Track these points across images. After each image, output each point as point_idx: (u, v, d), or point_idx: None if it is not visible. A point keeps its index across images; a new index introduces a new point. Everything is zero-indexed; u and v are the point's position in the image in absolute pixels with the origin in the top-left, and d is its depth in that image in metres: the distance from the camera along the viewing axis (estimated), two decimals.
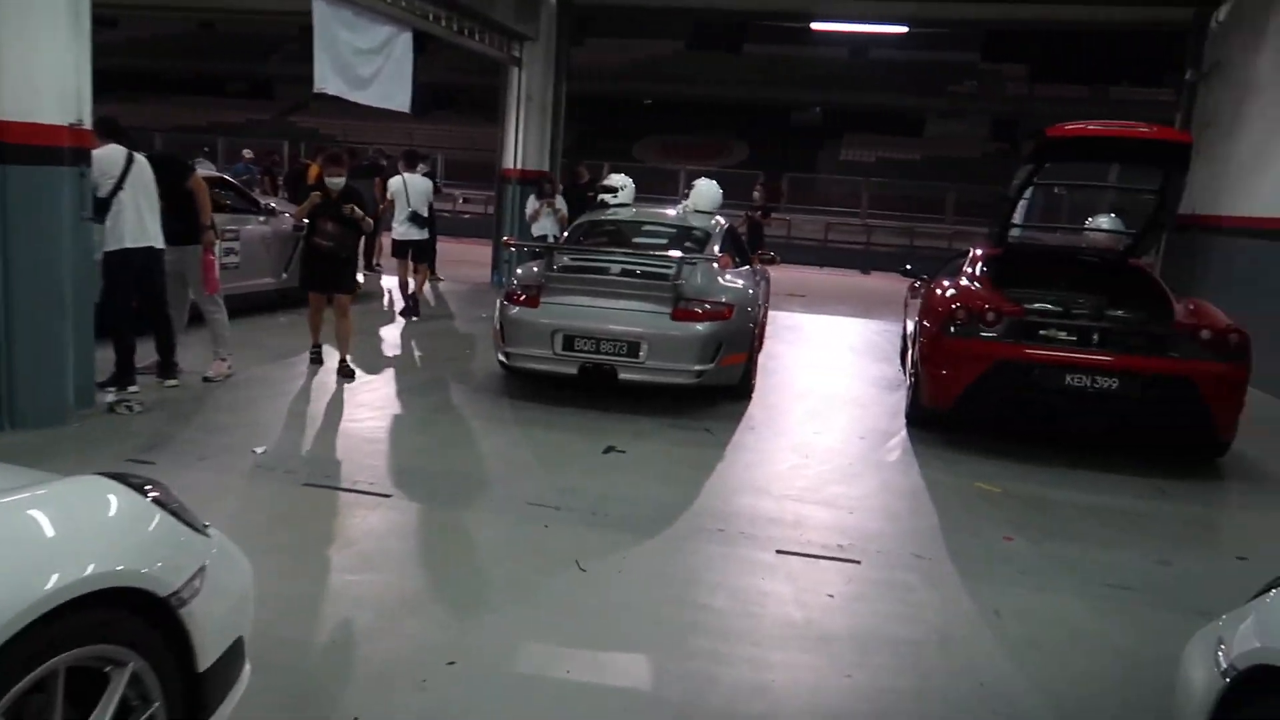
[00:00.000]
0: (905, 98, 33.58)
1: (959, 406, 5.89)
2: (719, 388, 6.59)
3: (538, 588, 3.64)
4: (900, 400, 7.16)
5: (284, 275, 9.30)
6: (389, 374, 7.35)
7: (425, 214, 10.02)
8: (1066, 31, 24.79)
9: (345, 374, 6.84)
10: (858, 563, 4.04)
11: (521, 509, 4.45)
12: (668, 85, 35.40)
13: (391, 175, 10.86)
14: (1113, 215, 7.53)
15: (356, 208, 6.80)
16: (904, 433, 6.32)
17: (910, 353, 7.11)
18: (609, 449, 5.50)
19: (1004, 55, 33.99)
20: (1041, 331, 5.78)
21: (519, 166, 12.96)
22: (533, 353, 6.42)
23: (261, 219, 9.26)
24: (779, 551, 4.11)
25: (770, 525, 4.42)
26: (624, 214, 8.14)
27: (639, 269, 6.65)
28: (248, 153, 19.30)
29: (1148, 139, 6.04)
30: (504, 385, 6.92)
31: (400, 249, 9.96)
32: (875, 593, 3.76)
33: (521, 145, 12.89)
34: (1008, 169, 9.11)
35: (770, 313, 9.92)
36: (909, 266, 8.54)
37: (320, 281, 6.97)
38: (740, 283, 6.96)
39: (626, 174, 9.52)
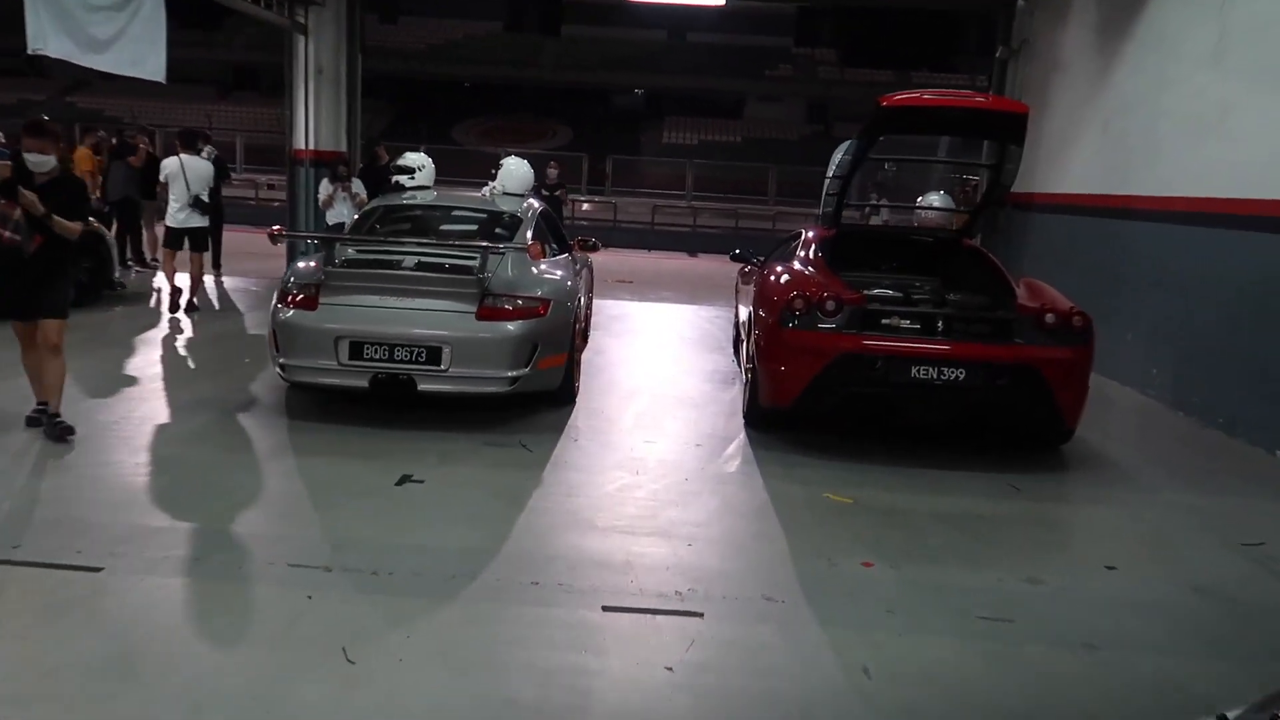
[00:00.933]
0: (724, 80, 33.78)
1: (800, 404, 5.34)
2: (538, 394, 5.80)
3: (284, 697, 2.72)
4: (736, 396, 6.59)
5: None
6: (140, 391, 6.12)
7: (207, 199, 8.86)
8: (875, 11, 25.40)
9: (54, 435, 4.85)
10: (700, 615, 3.33)
11: (281, 574, 3.50)
12: (487, 67, 34.28)
13: (164, 157, 9.51)
14: (942, 193, 7.23)
15: (33, 199, 4.56)
16: (743, 435, 5.72)
17: (745, 345, 6.55)
18: (404, 479, 4.59)
19: (816, 40, 34.77)
20: (884, 320, 5.29)
21: (311, 147, 11.67)
22: (314, 364, 5.42)
23: None
24: (605, 608, 3.35)
25: (595, 571, 3.66)
26: (423, 198, 7.19)
27: (438, 261, 5.75)
28: None
29: (983, 109, 5.68)
30: (285, 403, 5.87)
31: (176, 238, 8.88)
32: (722, 658, 3.06)
33: (314, 123, 11.61)
34: (823, 151, 8.76)
35: (596, 302, 9.23)
36: (738, 251, 8.02)
37: (12, 301, 4.88)
38: (557, 274, 6.17)
39: (430, 155, 8.52)
